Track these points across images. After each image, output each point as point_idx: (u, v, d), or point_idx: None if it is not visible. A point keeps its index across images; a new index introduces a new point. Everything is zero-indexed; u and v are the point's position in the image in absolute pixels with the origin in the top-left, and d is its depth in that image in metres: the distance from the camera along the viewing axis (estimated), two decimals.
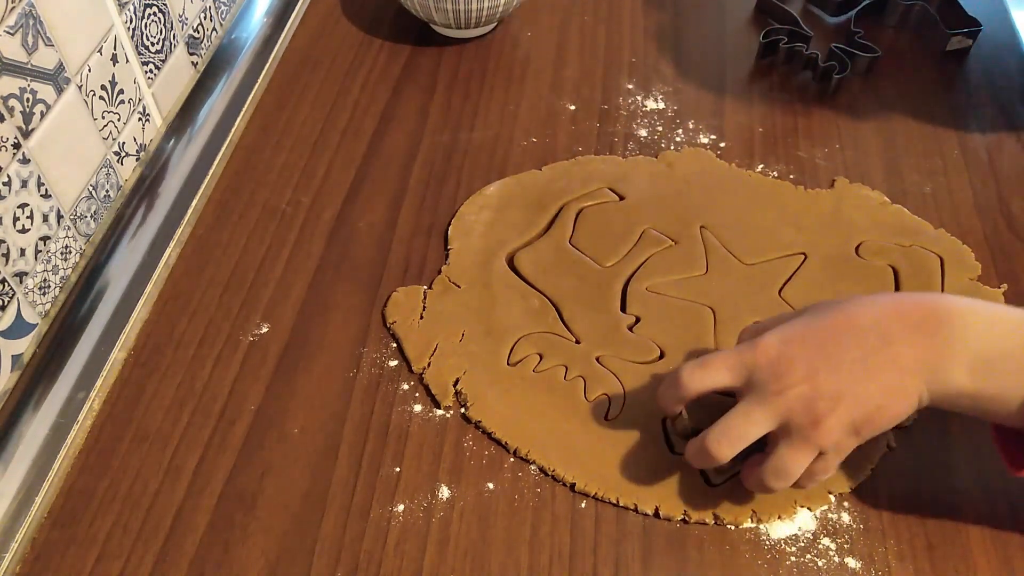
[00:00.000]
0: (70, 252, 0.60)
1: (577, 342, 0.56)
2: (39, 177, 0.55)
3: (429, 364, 0.56)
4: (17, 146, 0.53)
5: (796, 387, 0.43)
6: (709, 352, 0.48)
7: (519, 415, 0.53)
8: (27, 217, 0.54)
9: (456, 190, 0.67)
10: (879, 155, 0.70)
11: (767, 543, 0.48)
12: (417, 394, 0.55)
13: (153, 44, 0.68)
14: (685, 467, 0.50)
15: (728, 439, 0.44)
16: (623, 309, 0.59)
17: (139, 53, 0.66)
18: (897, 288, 0.59)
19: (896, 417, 0.43)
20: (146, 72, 0.67)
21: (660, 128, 0.72)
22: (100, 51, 0.61)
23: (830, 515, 0.49)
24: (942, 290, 0.59)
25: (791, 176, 0.68)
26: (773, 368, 0.44)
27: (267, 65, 0.78)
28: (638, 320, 0.58)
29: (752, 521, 0.49)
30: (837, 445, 0.43)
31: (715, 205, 0.65)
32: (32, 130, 0.54)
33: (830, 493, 0.50)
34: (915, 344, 0.42)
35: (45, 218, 0.56)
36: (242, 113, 0.74)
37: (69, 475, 0.51)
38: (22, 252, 0.54)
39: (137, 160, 0.68)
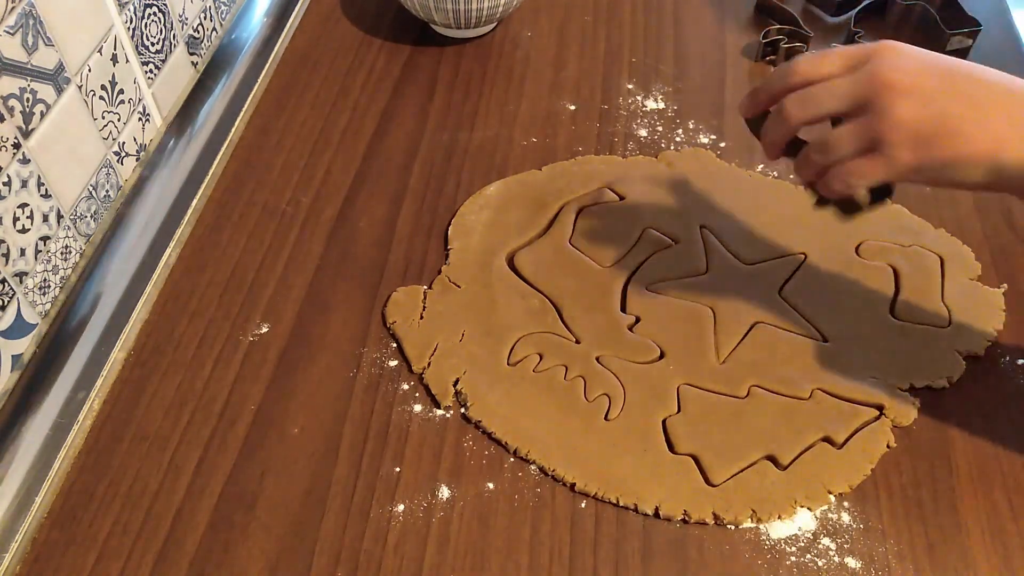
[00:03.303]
0: (70, 252, 0.60)
1: (577, 342, 0.56)
2: (39, 177, 0.55)
3: (429, 364, 0.56)
4: (17, 146, 0.53)
5: (890, 74, 0.41)
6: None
7: (519, 415, 0.53)
8: (27, 217, 0.54)
9: (456, 190, 0.67)
10: None
11: (767, 543, 0.48)
12: (417, 394, 0.55)
13: (153, 44, 0.68)
14: (685, 467, 0.50)
15: (804, 101, 0.44)
16: (623, 309, 0.59)
17: (139, 53, 0.66)
18: (897, 288, 0.59)
19: (959, 156, 0.41)
20: (146, 72, 0.67)
21: (660, 128, 0.72)
22: (100, 51, 0.61)
23: (830, 515, 0.49)
24: (942, 290, 0.59)
25: (791, 176, 0.68)
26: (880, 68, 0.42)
27: (267, 65, 0.78)
28: (638, 320, 0.58)
29: (752, 521, 0.49)
30: (892, 145, 0.41)
31: (715, 205, 0.65)
32: (32, 130, 0.54)
33: (830, 493, 0.50)
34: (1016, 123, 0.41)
35: (45, 218, 0.56)
36: (242, 113, 0.74)
37: (69, 475, 0.51)
38: (22, 252, 0.54)
39: (137, 160, 0.68)
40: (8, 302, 0.53)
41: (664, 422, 0.53)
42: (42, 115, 0.55)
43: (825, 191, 0.46)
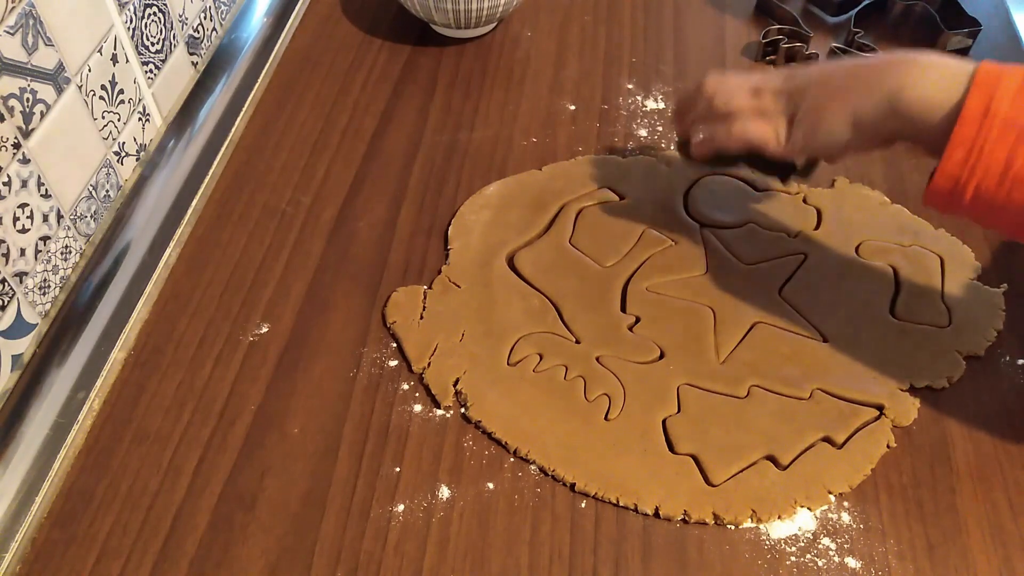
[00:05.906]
0: (70, 252, 0.60)
1: (577, 342, 0.56)
2: (39, 177, 0.55)
3: (429, 364, 0.55)
4: (17, 146, 0.53)
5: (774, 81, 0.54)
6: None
7: (519, 415, 0.53)
8: (27, 217, 0.54)
9: (456, 190, 0.67)
10: (879, 155, 0.70)
11: (767, 543, 0.48)
12: (417, 394, 0.55)
13: (153, 44, 0.68)
14: (685, 467, 0.50)
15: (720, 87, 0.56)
16: (623, 309, 0.59)
17: (139, 53, 0.66)
18: (897, 288, 0.60)
19: (825, 118, 0.51)
20: (146, 72, 0.67)
21: (660, 128, 0.72)
22: (100, 51, 0.61)
23: (830, 515, 0.49)
24: (942, 290, 0.59)
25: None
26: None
27: (267, 65, 0.78)
28: (638, 320, 0.58)
29: (752, 521, 0.49)
30: (772, 116, 0.54)
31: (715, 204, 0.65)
32: (32, 130, 0.54)
33: (830, 493, 0.50)
34: (869, 94, 0.49)
35: (45, 218, 0.56)
36: (242, 113, 0.74)
37: (69, 475, 0.51)
38: (22, 252, 0.54)
39: (137, 160, 0.68)
40: (8, 302, 0.53)
41: (664, 422, 0.53)
42: (42, 115, 0.55)
43: (702, 147, 0.58)
